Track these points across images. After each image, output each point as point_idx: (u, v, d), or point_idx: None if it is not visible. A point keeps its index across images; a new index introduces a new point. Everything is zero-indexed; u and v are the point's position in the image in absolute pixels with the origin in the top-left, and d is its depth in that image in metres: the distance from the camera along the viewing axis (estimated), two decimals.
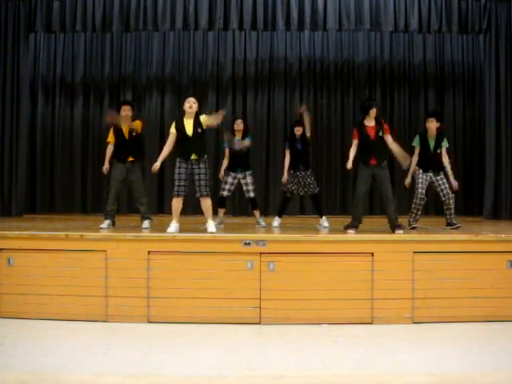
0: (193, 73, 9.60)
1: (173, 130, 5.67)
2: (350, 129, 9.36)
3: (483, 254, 5.22)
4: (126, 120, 6.27)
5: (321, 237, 5.41)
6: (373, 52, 9.57)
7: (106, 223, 6.16)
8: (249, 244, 5.16)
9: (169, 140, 5.72)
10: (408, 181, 6.50)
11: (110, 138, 6.38)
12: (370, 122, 5.79)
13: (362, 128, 5.81)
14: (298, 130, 6.88)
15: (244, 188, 6.96)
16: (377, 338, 4.68)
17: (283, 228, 6.64)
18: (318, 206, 7.08)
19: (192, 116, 5.63)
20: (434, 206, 9.34)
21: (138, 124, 6.32)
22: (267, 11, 8.39)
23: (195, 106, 5.62)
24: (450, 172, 6.37)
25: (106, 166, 6.42)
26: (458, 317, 5.14)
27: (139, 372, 3.79)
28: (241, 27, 8.50)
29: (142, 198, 6.37)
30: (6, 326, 4.96)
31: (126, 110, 6.29)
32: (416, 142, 6.41)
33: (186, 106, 5.62)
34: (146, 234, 5.42)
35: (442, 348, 4.37)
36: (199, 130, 5.60)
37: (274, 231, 6.33)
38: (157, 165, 5.74)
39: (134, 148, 6.29)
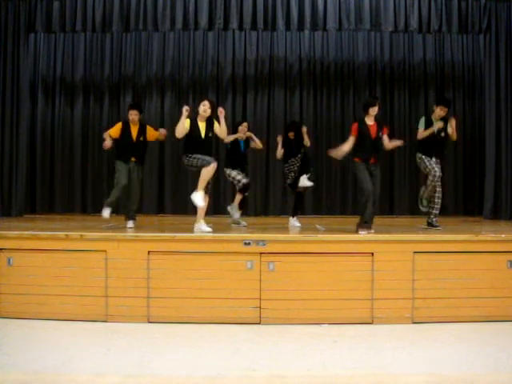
0: (193, 73, 9.60)
1: (187, 125, 5.66)
2: (350, 129, 9.43)
3: (483, 254, 5.22)
4: (135, 122, 6.36)
5: (321, 237, 5.41)
6: (373, 52, 9.56)
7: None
8: (249, 244, 5.16)
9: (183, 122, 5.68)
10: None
11: (114, 132, 6.33)
12: (370, 121, 5.76)
13: (363, 125, 5.74)
14: (291, 135, 6.94)
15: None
16: (377, 338, 4.68)
17: (283, 228, 6.64)
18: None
19: (204, 119, 5.73)
20: None
21: (150, 131, 6.49)
22: (267, 11, 8.38)
23: (209, 111, 5.69)
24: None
25: (109, 142, 6.31)
26: (458, 317, 5.14)
27: (139, 372, 3.79)
28: (241, 27, 8.49)
29: (134, 196, 6.41)
30: (6, 326, 4.96)
31: (133, 114, 6.34)
32: (421, 124, 6.29)
33: (201, 108, 5.70)
34: (145, 234, 5.42)
35: (442, 348, 4.37)
36: (210, 134, 5.74)
37: (293, 231, 6.29)
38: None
39: (139, 151, 6.36)
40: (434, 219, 6.32)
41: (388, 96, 9.60)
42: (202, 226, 5.60)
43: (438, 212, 6.33)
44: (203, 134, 5.68)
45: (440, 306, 5.15)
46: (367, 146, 5.67)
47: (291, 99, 9.58)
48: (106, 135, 6.39)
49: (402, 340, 4.62)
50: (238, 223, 7.00)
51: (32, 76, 9.45)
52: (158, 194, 9.53)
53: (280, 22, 8.39)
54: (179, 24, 8.39)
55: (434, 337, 4.72)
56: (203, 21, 8.35)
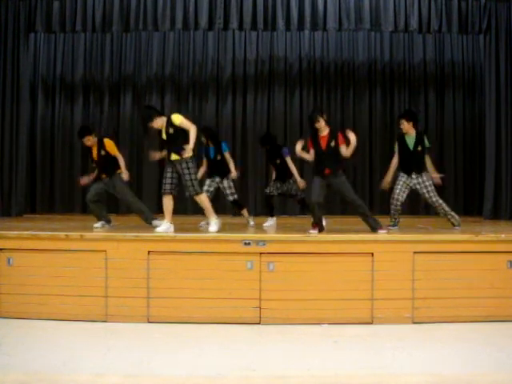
0: (193, 73, 9.60)
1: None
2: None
3: (483, 254, 5.21)
4: (92, 145, 6.31)
5: (321, 237, 5.41)
6: (373, 52, 9.56)
7: (100, 223, 6.26)
8: (249, 244, 5.16)
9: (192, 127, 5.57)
10: (386, 180, 6.25)
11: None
12: (322, 132, 5.67)
13: (315, 137, 5.69)
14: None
15: (224, 192, 6.91)
16: (377, 338, 4.68)
17: (283, 228, 6.64)
18: (303, 207, 7.10)
19: (163, 122, 5.60)
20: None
21: (109, 144, 6.33)
22: (267, 11, 8.38)
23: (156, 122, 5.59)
24: (431, 168, 6.24)
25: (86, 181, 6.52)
26: (458, 317, 5.14)
27: (139, 372, 3.79)
28: (241, 27, 8.49)
29: (133, 206, 6.39)
30: (6, 326, 4.96)
31: (86, 141, 6.30)
32: (395, 147, 6.30)
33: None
34: (145, 234, 5.42)
35: (441, 348, 4.37)
36: (171, 131, 5.54)
37: (271, 231, 6.33)
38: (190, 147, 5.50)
39: (106, 165, 6.29)
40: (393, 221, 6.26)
41: (388, 96, 9.60)
42: (211, 226, 5.63)
43: (396, 213, 6.22)
44: (164, 135, 5.60)
45: (440, 306, 5.15)
46: (320, 158, 5.64)
47: (291, 99, 9.58)
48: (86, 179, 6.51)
49: (402, 340, 4.62)
50: (248, 223, 6.98)
51: (32, 76, 9.44)
52: (157, 193, 9.52)
53: (280, 22, 8.39)
54: (179, 24, 8.39)
55: (434, 337, 4.72)
56: (203, 21, 8.35)
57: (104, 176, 6.30)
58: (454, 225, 6.27)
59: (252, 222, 6.95)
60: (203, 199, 5.73)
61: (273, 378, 3.71)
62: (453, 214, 6.25)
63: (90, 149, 6.38)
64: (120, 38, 9.54)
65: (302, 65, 9.56)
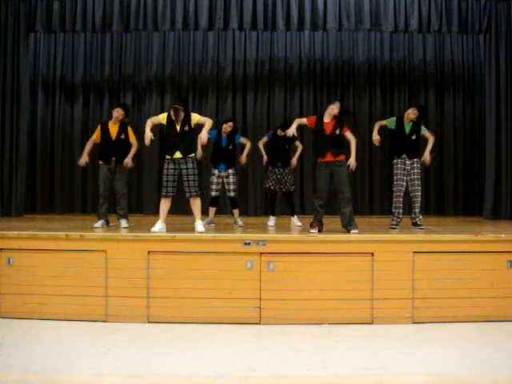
0: (193, 73, 9.59)
1: (163, 120, 5.73)
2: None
3: (483, 254, 5.22)
4: (116, 121, 6.41)
5: (321, 237, 5.41)
6: (373, 52, 9.56)
7: (100, 223, 6.24)
8: (249, 244, 5.17)
9: (154, 118, 5.79)
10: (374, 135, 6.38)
11: (96, 136, 6.46)
12: (327, 119, 5.84)
13: (319, 121, 5.85)
14: (280, 132, 7.09)
15: (226, 187, 6.97)
16: (377, 338, 4.68)
17: (283, 228, 6.64)
18: (290, 204, 7.23)
19: (179, 120, 5.69)
20: (434, 205, 9.36)
21: (131, 131, 6.52)
22: (267, 11, 8.37)
23: (178, 115, 5.66)
24: (430, 145, 6.42)
25: (85, 158, 6.43)
26: (458, 317, 5.14)
27: (139, 372, 3.79)
28: (241, 27, 8.48)
29: (121, 198, 6.37)
30: (6, 326, 4.96)
31: (116, 112, 6.39)
32: (391, 123, 6.46)
33: (171, 112, 5.69)
34: (145, 234, 5.43)
35: (441, 348, 4.37)
36: (186, 128, 5.66)
37: (273, 231, 6.34)
38: (148, 135, 5.58)
39: (119, 150, 6.36)
40: (395, 221, 6.40)
41: (388, 96, 9.59)
42: (198, 226, 5.62)
43: (399, 211, 6.40)
44: (178, 128, 5.66)
45: (440, 306, 5.15)
46: (322, 141, 5.77)
47: (291, 99, 9.57)
48: (85, 153, 6.43)
49: (402, 340, 4.62)
50: (236, 223, 6.97)
51: (32, 76, 9.43)
52: (157, 194, 9.52)
53: (280, 22, 8.38)
54: (179, 24, 8.38)
55: (434, 337, 4.72)
56: (203, 21, 8.34)
57: (113, 159, 6.33)
58: (416, 224, 6.34)
59: (240, 222, 6.94)
60: (198, 202, 5.76)
61: (273, 377, 3.72)
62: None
63: (105, 129, 6.38)
64: (120, 38, 9.52)
65: (302, 65, 9.55)
